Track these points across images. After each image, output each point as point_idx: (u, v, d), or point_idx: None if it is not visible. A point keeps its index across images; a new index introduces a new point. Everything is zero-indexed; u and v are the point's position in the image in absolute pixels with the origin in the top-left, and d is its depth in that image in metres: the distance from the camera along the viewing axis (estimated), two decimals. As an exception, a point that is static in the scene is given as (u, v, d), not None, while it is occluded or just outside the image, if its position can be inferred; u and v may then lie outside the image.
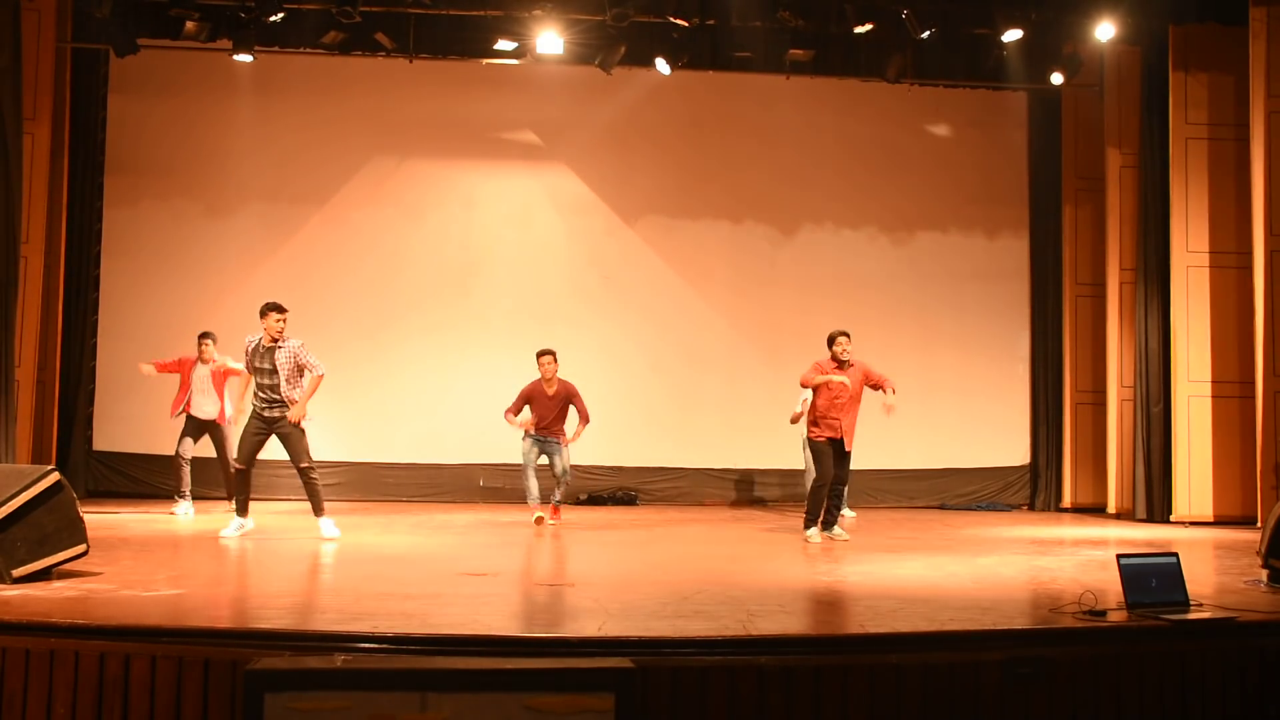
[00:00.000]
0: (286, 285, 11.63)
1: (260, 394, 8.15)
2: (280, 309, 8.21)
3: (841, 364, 8.51)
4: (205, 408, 9.95)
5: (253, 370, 8.22)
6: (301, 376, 8.19)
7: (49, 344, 10.78)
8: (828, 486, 8.55)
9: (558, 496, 9.78)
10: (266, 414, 8.12)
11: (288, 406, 8.06)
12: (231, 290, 11.45)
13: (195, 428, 9.99)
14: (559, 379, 9.66)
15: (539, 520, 9.53)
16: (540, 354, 9.65)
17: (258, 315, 8.20)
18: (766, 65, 11.17)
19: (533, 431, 9.63)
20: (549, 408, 9.61)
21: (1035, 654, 4.78)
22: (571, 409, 9.69)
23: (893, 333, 12.22)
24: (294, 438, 8.13)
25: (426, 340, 11.92)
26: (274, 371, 8.08)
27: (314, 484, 8.22)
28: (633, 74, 11.36)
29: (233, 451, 9.38)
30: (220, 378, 10.00)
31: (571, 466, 9.87)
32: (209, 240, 11.68)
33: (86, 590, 5.61)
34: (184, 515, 9.70)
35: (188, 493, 9.92)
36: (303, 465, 8.16)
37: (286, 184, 11.81)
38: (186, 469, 9.94)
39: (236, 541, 7.97)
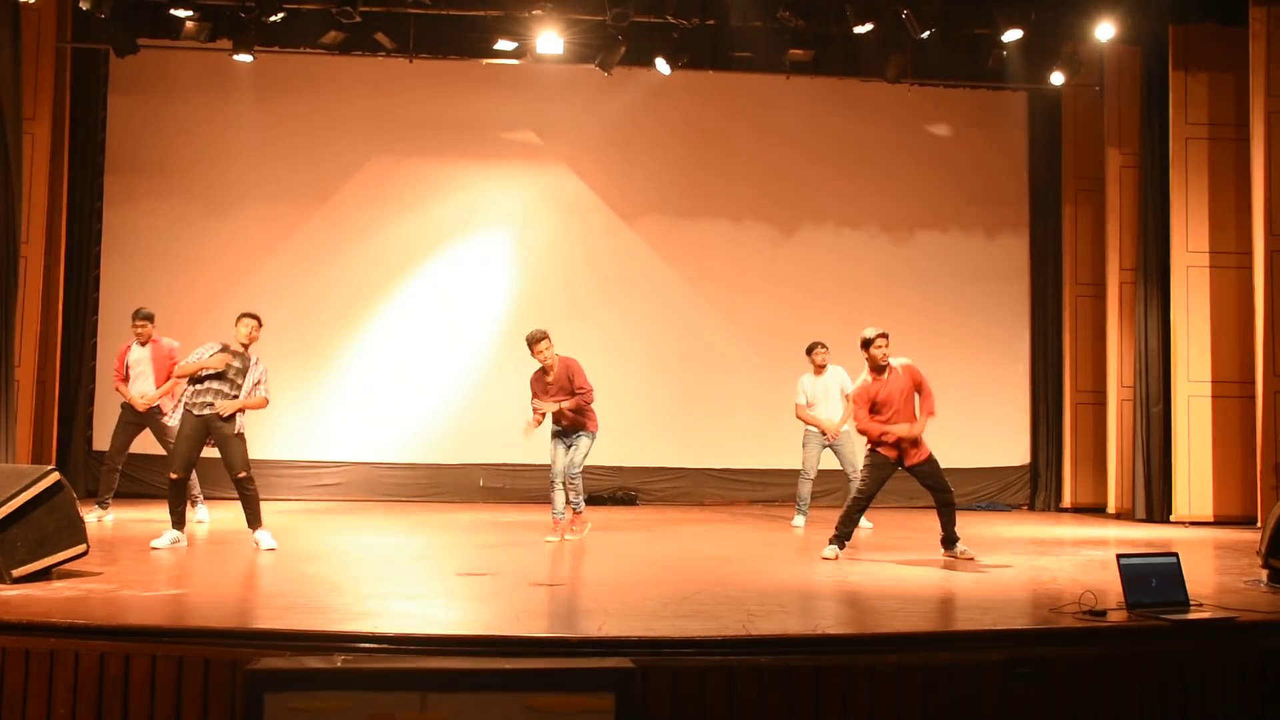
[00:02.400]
0: (286, 285, 11.68)
1: (202, 396, 7.55)
2: (253, 317, 7.70)
3: (881, 370, 7.55)
4: (145, 393, 9.09)
5: (204, 377, 7.57)
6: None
7: (49, 344, 10.79)
8: (868, 502, 7.64)
9: (576, 501, 8.56)
10: (205, 411, 7.53)
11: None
12: (231, 290, 11.44)
13: (133, 418, 9.18)
14: (558, 356, 8.32)
15: (557, 528, 8.49)
16: (530, 341, 8.27)
17: (233, 323, 7.74)
18: (766, 65, 11.17)
19: (553, 426, 8.46)
20: (554, 397, 8.30)
21: (1035, 654, 4.78)
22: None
23: (893, 332, 12.09)
24: (234, 444, 7.54)
25: (426, 340, 11.92)
26: (234, 384, 7.56)
27: (252, 495, 7.59)
28: (633, 74, 11.36)
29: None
30: (164, 361, 9.09)
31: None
32: (209, 240, 11.68)
33: (86, 590, 5.61)
34: (199, 520, 9.13)
35: (108, 500, 9.20)
36: (240, 475, 7.53)
37: (286, 184, 11.81)
38: (116, 474, 9.21)
39: (169, 553, 7.29)
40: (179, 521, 7.64)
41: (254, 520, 7.65)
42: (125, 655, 4.49)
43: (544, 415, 8.36)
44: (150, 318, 9.29)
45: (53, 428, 10.82)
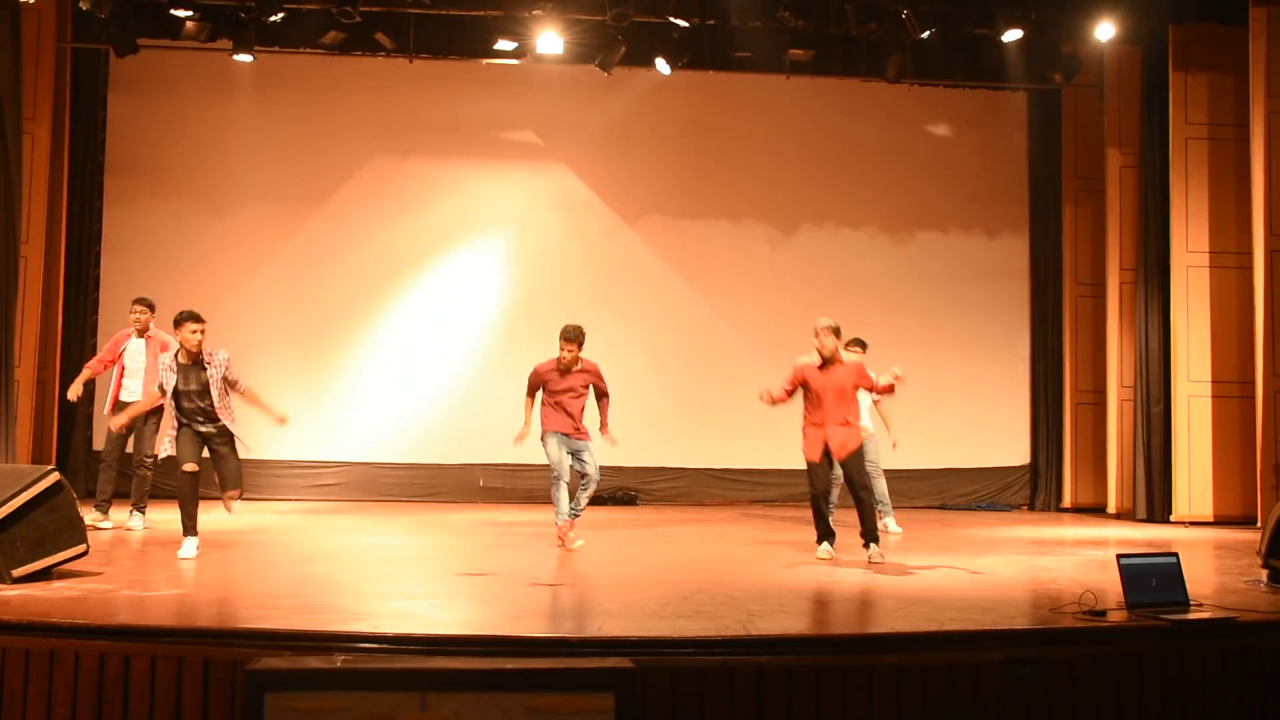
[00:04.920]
0: (286, 285, 11.69)
1: (187, 417, 7.18)
2: (198, 318, 7.12)
3: (825, 364, 7.47)
4: (134, 392, 8.61)
5: (176, 394, 7.14)
6: (230, 391, 7.27)
7: (49, 344, 10.79)
8: (823, 496, 7.72)
9: (581, 506, 8.26)
10: (202, 429, 7.22)
11: (222, 422, 7.20)
12: (232, 290, 11.46)
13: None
14: (581, 359, 8.17)
15: (563, 540, 7.99)
16: (577, 337, 8.08)
17: (173, 325, 7.22)
18: (766, 65, 11.16)
19: (551, 429, 8.10)
20: (568, 394, 8.11)
21: (1035, 654, 4.78)
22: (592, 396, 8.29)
23: (893, 333, 12.19)
24: (229, 459, 7.30)
25: (426, 340, 11.92)
26: (204, 393, 7.12)
27: (230, 505, 7.47)
28: (633, 74, 11.36)
29: (155, 449, 8.49)
30: (155, 357, 8.48)
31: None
32: (209, 240, 11.68)
33: (86, 590, 5.61)
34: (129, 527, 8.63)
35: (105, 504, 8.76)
36: (230, 493, 7.37)
37: (286, 184, 11.81)
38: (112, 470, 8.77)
39: (194, 562, 6.98)
40: (192, 524, 7.18)
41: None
42: (125, 655, 4.49)
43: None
44: (151, 306, 8.84)
45: (53, 428, 10.81)
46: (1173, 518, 10.36)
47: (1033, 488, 12.33)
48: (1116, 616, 5.22)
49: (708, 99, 12.11)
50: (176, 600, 5.53)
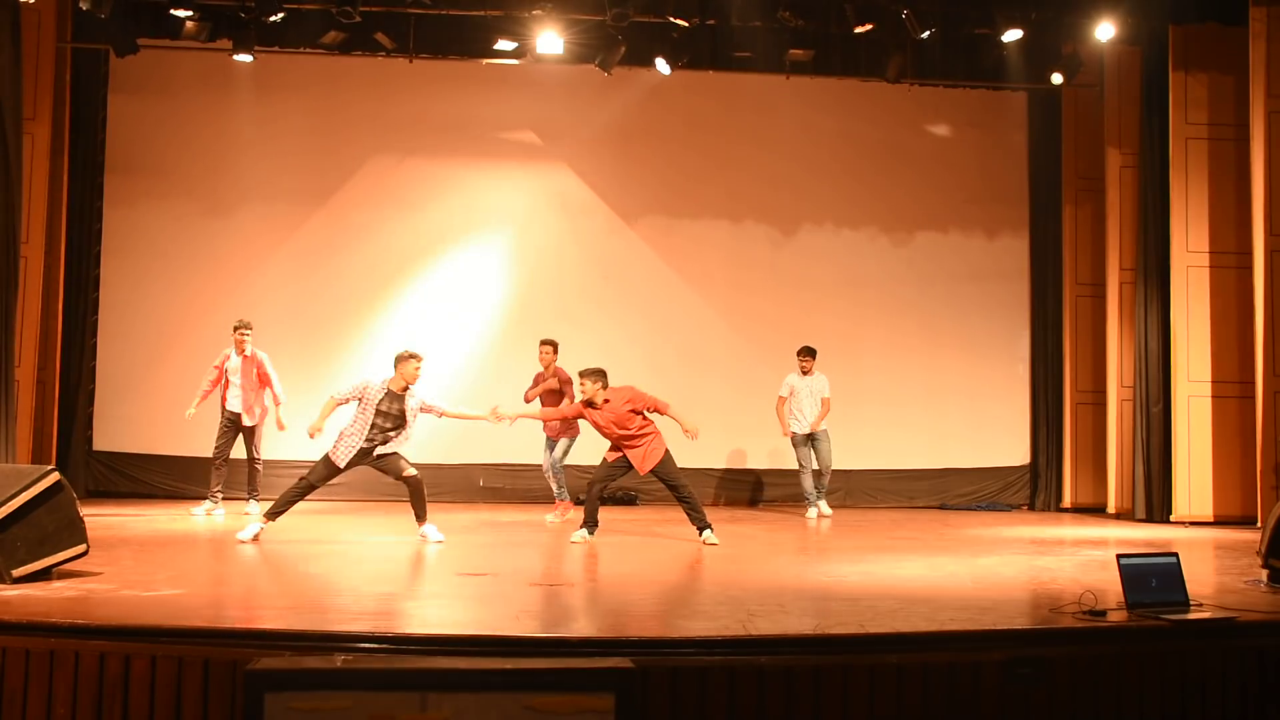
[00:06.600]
0: (286, 285, 11.69)
1: (372, 433, 8.08)
2: (418, 356, 8.12)
3: (591, 405, 8.34)
4: (235, 402, 9.86)
5: (375, 413, 8.05)
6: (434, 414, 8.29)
7: (49, 344, 10.78)
8: (597, 483, 8.56)
9: (559, 492, 9.93)
10: (377, 446, 8.14)
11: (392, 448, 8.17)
12: (232, 290, 11.46)
13: (228, 422, 9.90)
14: (557, 368, 9.77)
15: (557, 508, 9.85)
16: (542, 342, 9.79)
17: (394, 362, 8.14)
18: (766, 65, 11.17)
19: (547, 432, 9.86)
20: (546, 399, 9.76)
21: (1035, 654, 4.78)
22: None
23: (893, 333, 12.24)
24: (390, 460, 8.22)
25: (426, 340, 11.86)
26: (401, 417, 8.09)
27: (420, 490, 8.28)
28: (633, 74, 11.36)
29: (258, 450, 9.93)
30: (257, 375, 9.86)
31: (568, 465, 9.99)
32: (209, 240, 11.67)
33: (86, 590, 5.61)
34: (202, 515, 9.64)
35: (218, 495, 9.84)
36: (407, 475, 8.21)
37: (286, 184, 11.81)
38: (223, 469, 9.88)
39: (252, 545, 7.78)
40: (274, 516, 8.06)
41: (420, 515, 8.27)
42: (125, 655, 4.49)
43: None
44: (250, 326, 9.92)
45: (53, 428, 10.81)
46: (1172, 518, 10.36)
47: (1033, 488, 12.33)
48: (1116, 616, 5.22)
49: (708, 99, 12.11)
50: (176, 600, 5.52)
